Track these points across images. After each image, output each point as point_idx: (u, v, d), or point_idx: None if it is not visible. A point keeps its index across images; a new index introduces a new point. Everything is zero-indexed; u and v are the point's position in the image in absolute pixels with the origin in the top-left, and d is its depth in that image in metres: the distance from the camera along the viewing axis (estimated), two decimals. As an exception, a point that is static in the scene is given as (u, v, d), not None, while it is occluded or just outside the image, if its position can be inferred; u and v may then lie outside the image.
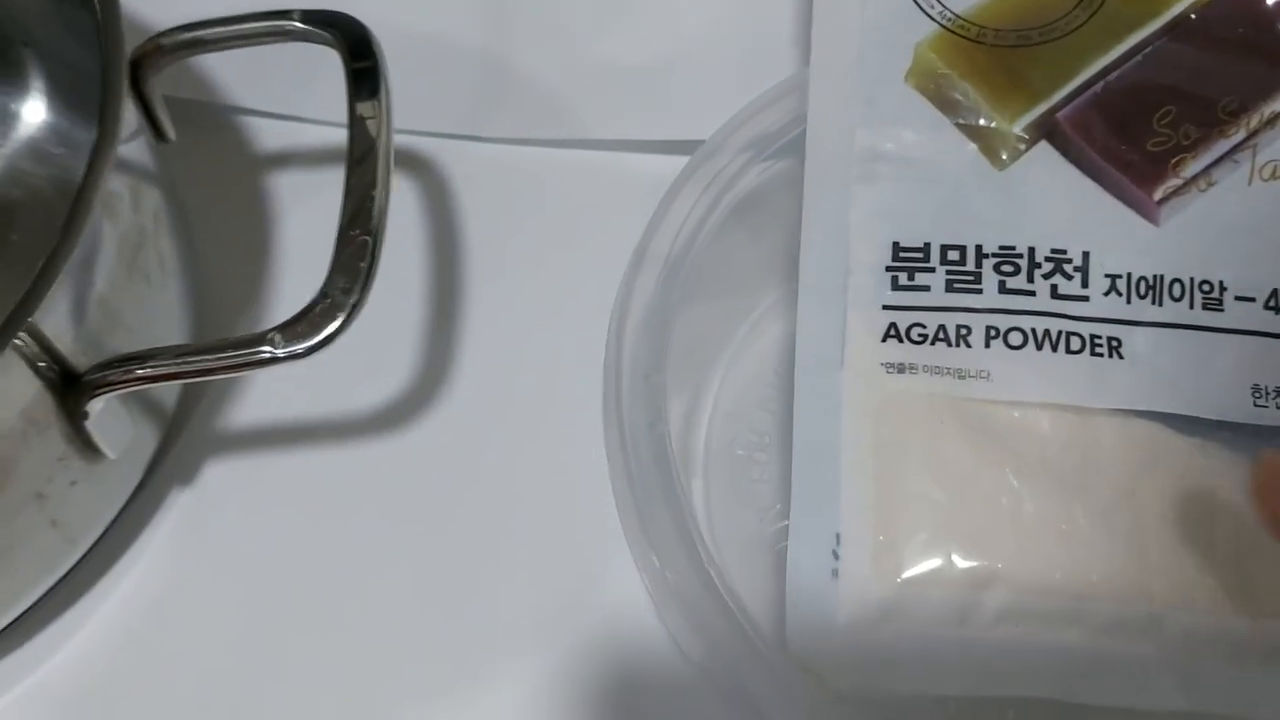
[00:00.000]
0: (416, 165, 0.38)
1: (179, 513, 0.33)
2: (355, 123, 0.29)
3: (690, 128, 0.36)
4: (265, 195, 0.37)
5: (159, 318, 0.31)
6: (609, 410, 0.29)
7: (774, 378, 0.34)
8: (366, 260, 0.27)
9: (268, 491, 0.33)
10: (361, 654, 0.31)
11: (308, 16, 0.30)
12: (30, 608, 0.31)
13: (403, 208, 0.37)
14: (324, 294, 0.27)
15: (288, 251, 0.36)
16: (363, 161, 0.29)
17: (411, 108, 0.33)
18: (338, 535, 0.33)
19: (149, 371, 0.27)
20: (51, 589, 0.31)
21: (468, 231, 0.37)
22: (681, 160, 0.35)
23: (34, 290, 0.25)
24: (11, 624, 0.31)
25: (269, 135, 0.38)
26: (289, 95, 0.38)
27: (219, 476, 0.34)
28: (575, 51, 0.38)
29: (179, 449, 0.34)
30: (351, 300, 0.27)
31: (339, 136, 0.38)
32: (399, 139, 0.37)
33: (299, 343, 0.27)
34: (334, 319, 0.27)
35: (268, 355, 0.27)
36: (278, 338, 0.27)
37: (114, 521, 0.32)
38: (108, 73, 0.27)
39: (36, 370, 0.26)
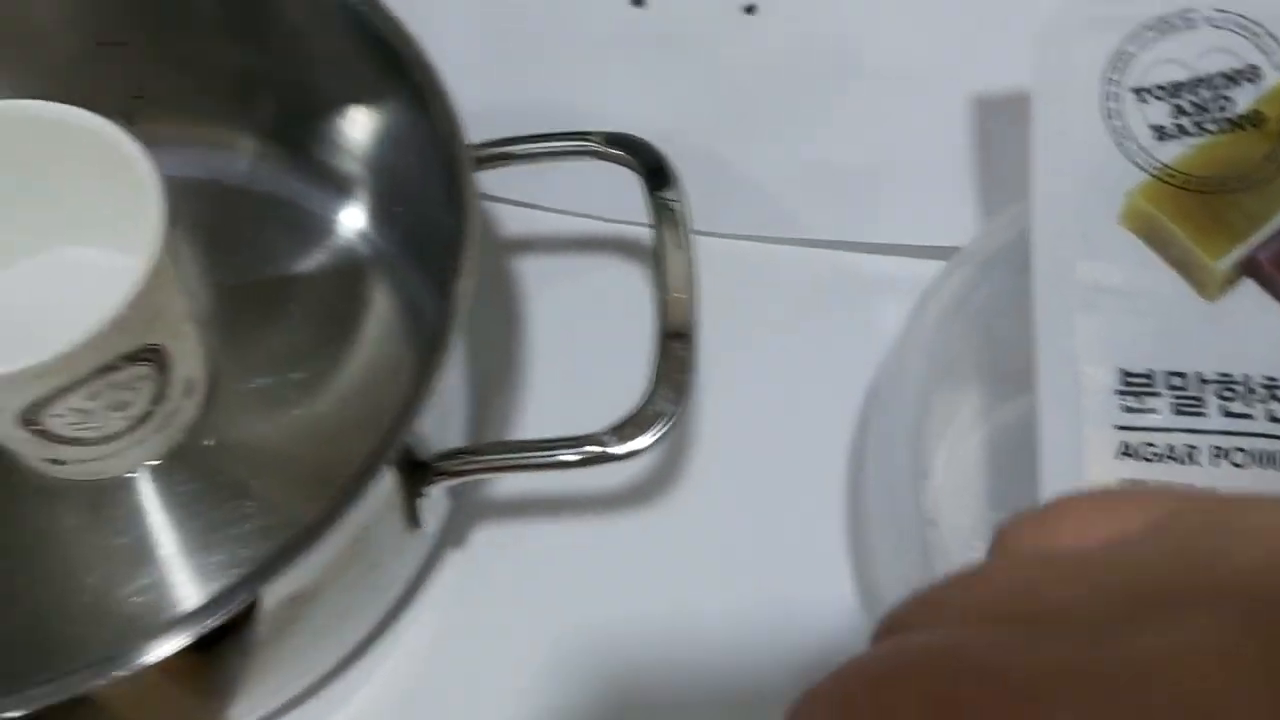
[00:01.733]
0: (648, 256, 0.41)
1: (451, 573, 0.36)
2: (659, 241, 0.32)
3: (905, 233, 0.40)
4: (510, 279, 0.41)
5: (456, 404, 0.34)
6: (866, 506, 0.33)
7: (992, 471, 0.37)
8: (687, 374, 0.30)
9: (529, 556, 0.37)
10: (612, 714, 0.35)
11: (608, 139, 0.34)
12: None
13: (640, 295, 0.40)
14: (650, 401, 0.30)
15: (534, 335, 0.40)
16: (668, 274, 0.32)
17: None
18: (594, 598, 0.36)
19: (494, 463, 0.30)
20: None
21: (706, 320, 0.40)
22: (891, 260, 0.39)
23: (416, 402, 0.28)
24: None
25: (511, 221, 0.41)
26: (529, 184, 0.41)
27: (485, 540, 0.37)
28: (796, 154, 0.41)
29: (452, 514, 0.37)
30: (675, 409, 0.30)
31: (575, 224, 0.41)
32: (627, 230, 0.41)
33: (627, 444, 0.30)
34: (658, 425, 0.30)
35: (598, 453, 0.30)
36: (612, 439, 0.30)
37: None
38: (464, 222, 0.30)
39: (396, 463, 0.30)
